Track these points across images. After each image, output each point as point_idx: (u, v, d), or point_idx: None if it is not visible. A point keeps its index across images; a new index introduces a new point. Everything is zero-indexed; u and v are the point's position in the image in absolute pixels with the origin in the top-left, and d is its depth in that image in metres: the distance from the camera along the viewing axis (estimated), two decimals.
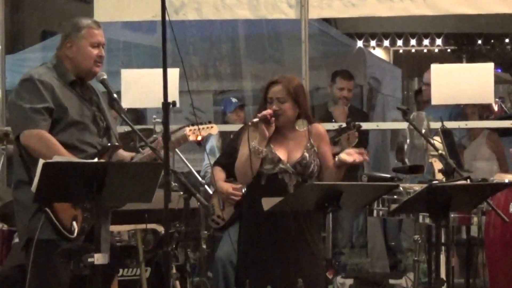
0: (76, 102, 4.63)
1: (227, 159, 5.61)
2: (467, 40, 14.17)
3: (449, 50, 14.34)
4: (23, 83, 4.59)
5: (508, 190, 5.35)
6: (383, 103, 10.07)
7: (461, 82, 6.62)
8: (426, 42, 13.83)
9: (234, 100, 7.89)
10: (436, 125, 5.89)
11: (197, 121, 4.91)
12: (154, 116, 6.42)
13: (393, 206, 5.35)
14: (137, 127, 4.94)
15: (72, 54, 4.66)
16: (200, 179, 6.19)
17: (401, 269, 7.72)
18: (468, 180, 4.67)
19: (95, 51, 4.67)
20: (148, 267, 6.05)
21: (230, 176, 5.59)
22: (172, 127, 4.46)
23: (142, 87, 6.81)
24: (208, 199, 5.89)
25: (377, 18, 7.97)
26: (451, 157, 5.16)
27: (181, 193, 4.97)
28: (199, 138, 4.89)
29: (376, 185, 4.78)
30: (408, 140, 5.88)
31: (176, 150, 5.73)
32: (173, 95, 5.25)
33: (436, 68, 6.82)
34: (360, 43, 12.49)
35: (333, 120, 7.23)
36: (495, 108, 7.59)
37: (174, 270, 5.46)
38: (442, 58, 13.55)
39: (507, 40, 13.83)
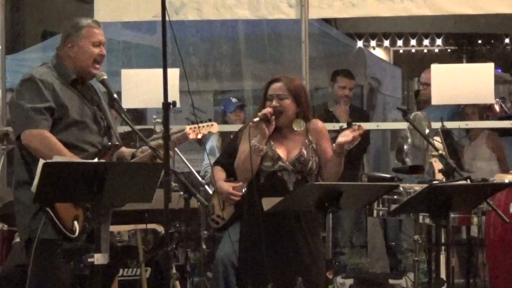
0: (77, 101, 4.64)
1: (227, 159, 5.61)
2: (467, 40, 14.15)
3: (449, 50, 14.32)
4: (24, 82, 4.59)
5: (508, 190, 5.36)
6: (383, 103, 10.07)
7: (461, 82, 6.62)
8: (426, 42, 13.81)
9: (234, 100, 7.89)
10: (436, 125, 5.89)
11: (197, 121, 4.91)
12: (154, 116, 6.43)
13: (393, 206, 5.35)
14: (137, 127, 4.95)
15: (73, 54, 4.67)
16: (200, 179, 6.19)
17: (401, 269, 7.70)
18: (468, 180, 4.67)
19: (96, 50, 4.68)
20: (148, 267, 6.05)
21: (230, 176, 5.60)
22: (172, 128, 4.46)
23: (142, 87, 6.80)
24: (208, 199, 5.89)
25: (377, 18, 7.98)
26: (451, 157, 5.16)
27: (181, 193, 4.97)
28: (199, 136, 4.89)
29: (376, 185, 4.79)
30: (408, 140, 5.86)
31: (176, 150, 5.72)
32: (173, 95, 5.25)
33: (436, 68, 6.81)
34: (360, 43, 12.49)
35: (335, 120, 7.22)
36: (497, 108, 7.59)
37: (174, 270, 5.45)
38: (442, 58, 13.55)
39: (507, 40, 13.80)
